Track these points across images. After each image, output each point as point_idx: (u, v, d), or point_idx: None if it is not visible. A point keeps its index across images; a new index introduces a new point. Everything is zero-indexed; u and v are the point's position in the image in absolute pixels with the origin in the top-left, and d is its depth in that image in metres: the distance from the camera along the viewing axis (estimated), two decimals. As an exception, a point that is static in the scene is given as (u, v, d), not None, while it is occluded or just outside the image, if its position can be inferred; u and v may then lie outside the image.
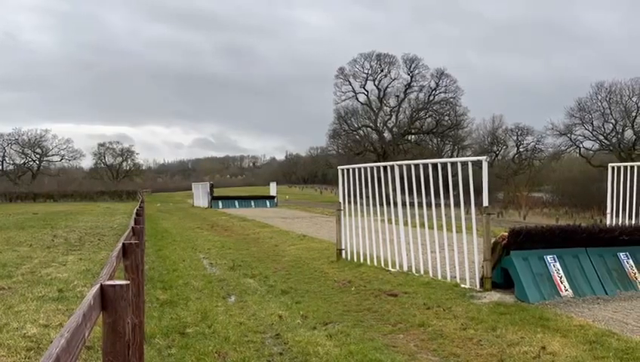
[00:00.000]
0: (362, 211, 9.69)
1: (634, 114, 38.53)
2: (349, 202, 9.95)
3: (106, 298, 1.97)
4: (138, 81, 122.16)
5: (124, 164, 74.60)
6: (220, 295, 7.14)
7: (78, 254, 10.89)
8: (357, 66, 49.73)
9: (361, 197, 9.71)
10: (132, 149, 75.42)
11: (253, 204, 34.40)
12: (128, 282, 2.08)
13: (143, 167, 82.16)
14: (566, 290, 6.47)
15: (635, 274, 6.85)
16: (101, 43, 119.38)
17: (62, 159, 67.34)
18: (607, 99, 39.53)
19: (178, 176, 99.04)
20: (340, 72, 50.55)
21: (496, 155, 48.20)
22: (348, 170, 9.99)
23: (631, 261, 6.94)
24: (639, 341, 4.68)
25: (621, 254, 6.98)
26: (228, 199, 35.18)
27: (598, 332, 4.94)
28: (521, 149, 48.50)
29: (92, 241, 13.50)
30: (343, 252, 9.89)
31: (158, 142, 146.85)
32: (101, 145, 74.22)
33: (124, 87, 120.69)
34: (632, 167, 10.94)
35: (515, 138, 48.37)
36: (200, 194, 37.25)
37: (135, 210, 11.25)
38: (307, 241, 13.19)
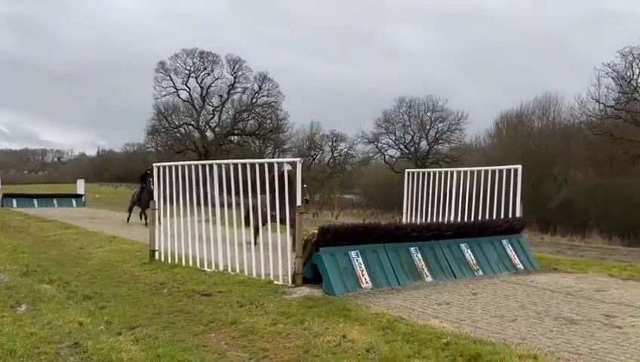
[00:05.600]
0: (179, 211, 9.41)
1: (428, 127, 44.03)
2: (165, 201, 9.58)
3: None
4: None
5: None
6: (7, 304, 6.29)
7: None
8: (179, 62, 48.16)
9: (178, 197, 9.43)
10: None
11: (56, 203, 30.93)
12: None
13: None
14: (366, 283, 7.10)
15: (422, 266, 7.81)
16: None
17: None
18: (408, 112, 44.54)
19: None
20: (160, 66, 48.40)
21: (314, 159, 50.85)
22: (164, 167, 9.61)
23: (419, 254, 7.89)
24: (422, 324, 5.33)
25: (412, 249, 7.88)
26: (24, 197, 31.05)
27: (390, 319, 5.51)
28: (335, 154, 51.85)
29: None
30: (157, 253, 9.49)
31: None
32: None
33: None
34: (424, 173, 12.46)
35: (330, 144, 51.57)
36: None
37: None
38: (117, 243, 12.34)
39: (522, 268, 8.79)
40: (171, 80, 48.49)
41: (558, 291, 7.12)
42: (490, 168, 10.99)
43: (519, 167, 10.14)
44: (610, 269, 9.19)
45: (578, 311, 6.01)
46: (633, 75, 27.87)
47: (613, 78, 28.45)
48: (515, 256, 8.90)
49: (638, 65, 27.63)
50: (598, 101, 28.97)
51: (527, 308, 6.12)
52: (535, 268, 8.98)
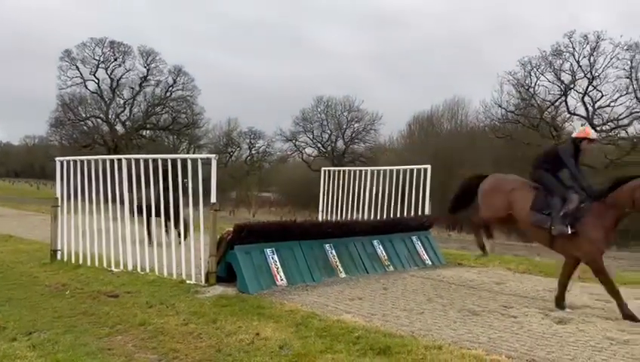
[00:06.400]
0: (85, 208, 8.90)
1: (345, 127, 44.86)
2: (69, 198, 9.02)
3: None
4: None
5: None
6: None
7: None
8: (87, 51, 45.33)
9: (83, 193, 8.90)
10: None
11: (-58, 199, 28.18)
12: None
13: None
14: (281, 280, 7.12)
15: (336, 262, 7.96)
16: None
17: None
18: (325, 112, 45.11)
19: None
20: (65, 54, 45.30)
21: (231, 156, 50.10)
22: (68, 162, 9.03)
23: (334, 251, 8.04)
24: (335, 319, 5.43)
25: (326, 245, 8.02)
26: None
27: (304, 315, 5.56)
28: (253, 152, 51.43)
29: None
30: (59, 253, 8.92)
31: None
32: None
33: None
34: (340, 171, 12.69)
35: (248, 141, 51.06)
36: None
37: None
38: (14, 243, 11.45)
39: (430, 263, 9.22)
40: (78, 70, 45.62)
41: (462, 284, 7.54)
42: (401, 168, 11.41)
43: (428, 166, 10.60)
44: (508, 263, 9.88)
45: (479, 303, 6.40)
46: (531, 83, 30.14)
47: (513, 85, 30.61)
48: (424, 252, 9.33)
49: (535, 74, 29.91)
50: (500, 106, 31.05)
51: (433, 301, 6.43)
52: (442, 263, 9.46)
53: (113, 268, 8.10)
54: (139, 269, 7.91)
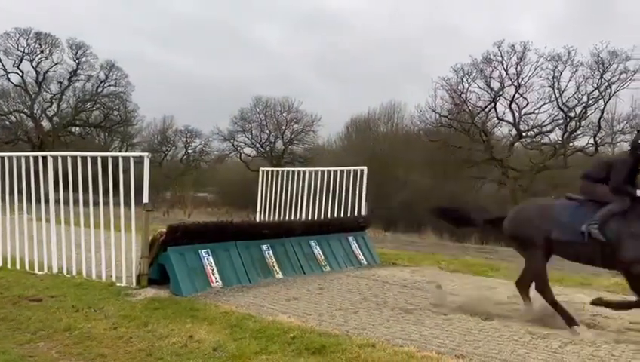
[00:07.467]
0: (5, 208, 8.37)
1: (284, 127, 44.76)
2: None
3: None
4: None
5: None
6: None
7: None
8: (10, 42, 42.54)
9: (4, 192, 8.37)
10: None
11: None
12: None
13: None
14: (216, 281, 7.01)
15: (273, 263, 7.93)
16: None
17: None
18: (264, 112, 44.77)
19: None
20: (-14, 44, 42.50)
21: (165, 155, 48.73)
22: (-14, 158, 8.46)
23: (271, 252, 8.01)
24: (271, 320, 5.41)
25: (264, 246, 7.97)
26: None
27: (239, 317, 5.50)
28: (189, 151, 50.29)
29: None
30: (-24, 255, 8.33)
31: None
32: None
33: None
34: (278, 172, 12.67)
35: (184, 140, 49.86)
36: None
37: None
38: None
39: (366, 263, 9.40)
40: (0, 61, 42.88)
41: (395, 283, 7.72)
42: (338, 169, 11.54)
43: (365, 168, 10.80)
44: (440, 262, 10.24)
45: (412, 301, 6.59)
46: (464, 89, 31.30)
47: (447, 90, 31.66)
48: (360, 252, 9.48)
49: (467, 80, 31.10)
50: (434, 111, 32.01)
51: (368, 300, 6.54)
52: (377, 262, 9.66)
53: (36, 271, 7.68)
54: (65, 272, 7.55)
